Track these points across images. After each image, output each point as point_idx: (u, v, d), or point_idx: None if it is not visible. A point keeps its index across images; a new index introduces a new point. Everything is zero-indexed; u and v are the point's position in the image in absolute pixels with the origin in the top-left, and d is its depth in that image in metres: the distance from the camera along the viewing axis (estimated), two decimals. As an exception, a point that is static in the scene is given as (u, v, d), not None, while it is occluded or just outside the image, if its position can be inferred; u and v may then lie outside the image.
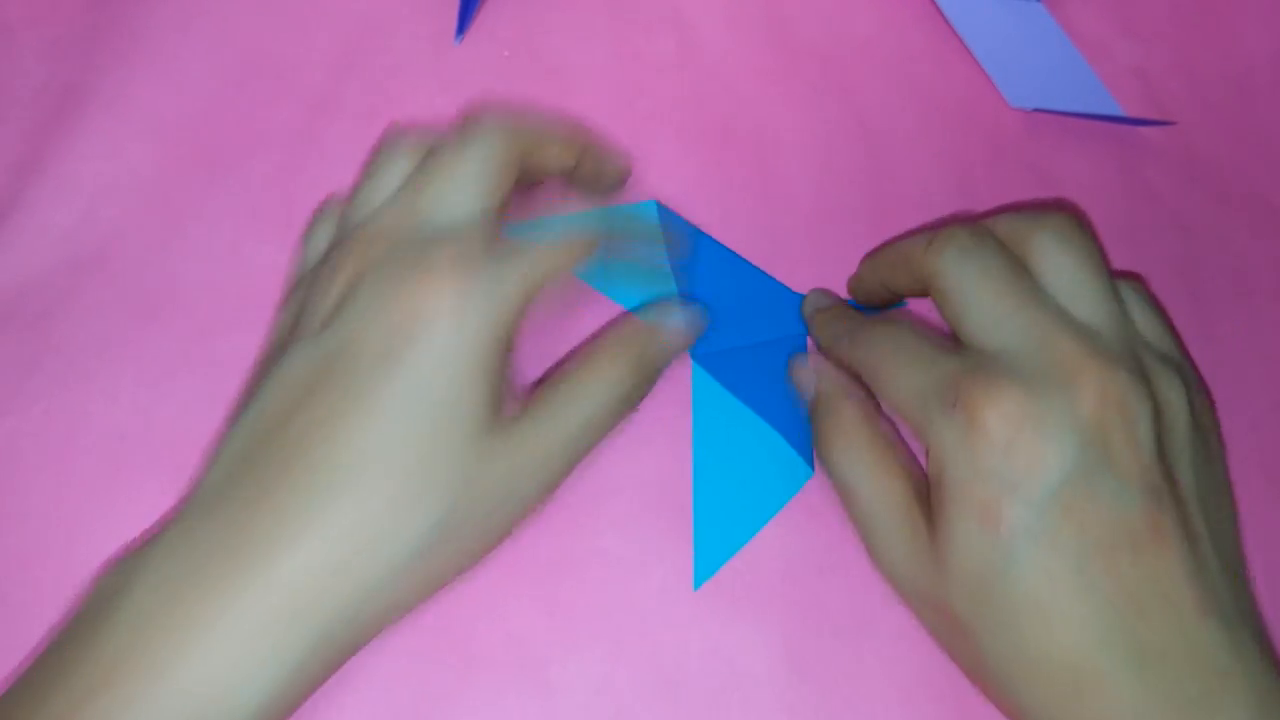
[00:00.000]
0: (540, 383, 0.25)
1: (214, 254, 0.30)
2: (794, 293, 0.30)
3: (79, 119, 0.32)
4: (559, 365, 0.26)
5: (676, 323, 0.27)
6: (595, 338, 0.26)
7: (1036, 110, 0.35)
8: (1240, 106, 0.36)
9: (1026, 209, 0.26)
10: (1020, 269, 0.24)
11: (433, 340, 0.21)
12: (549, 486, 0.24)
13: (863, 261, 0.30)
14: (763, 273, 0.31)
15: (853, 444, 0.25)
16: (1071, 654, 0.20)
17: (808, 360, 0.28)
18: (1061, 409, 0.21)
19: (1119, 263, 0.32)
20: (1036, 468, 0.21)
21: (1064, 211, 0.25)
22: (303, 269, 0.27)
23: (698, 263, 0.30)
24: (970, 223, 0.25)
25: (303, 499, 0.21)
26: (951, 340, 0.24)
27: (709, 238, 0.31)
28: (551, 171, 0.27)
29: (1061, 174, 0.34)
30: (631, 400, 0.25)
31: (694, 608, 0.27)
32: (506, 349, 0.23)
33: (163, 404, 0.28)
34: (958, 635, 0.23)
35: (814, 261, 0.31)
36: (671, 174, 0.33)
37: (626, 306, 0.29)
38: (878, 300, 0.29)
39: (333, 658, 0.21)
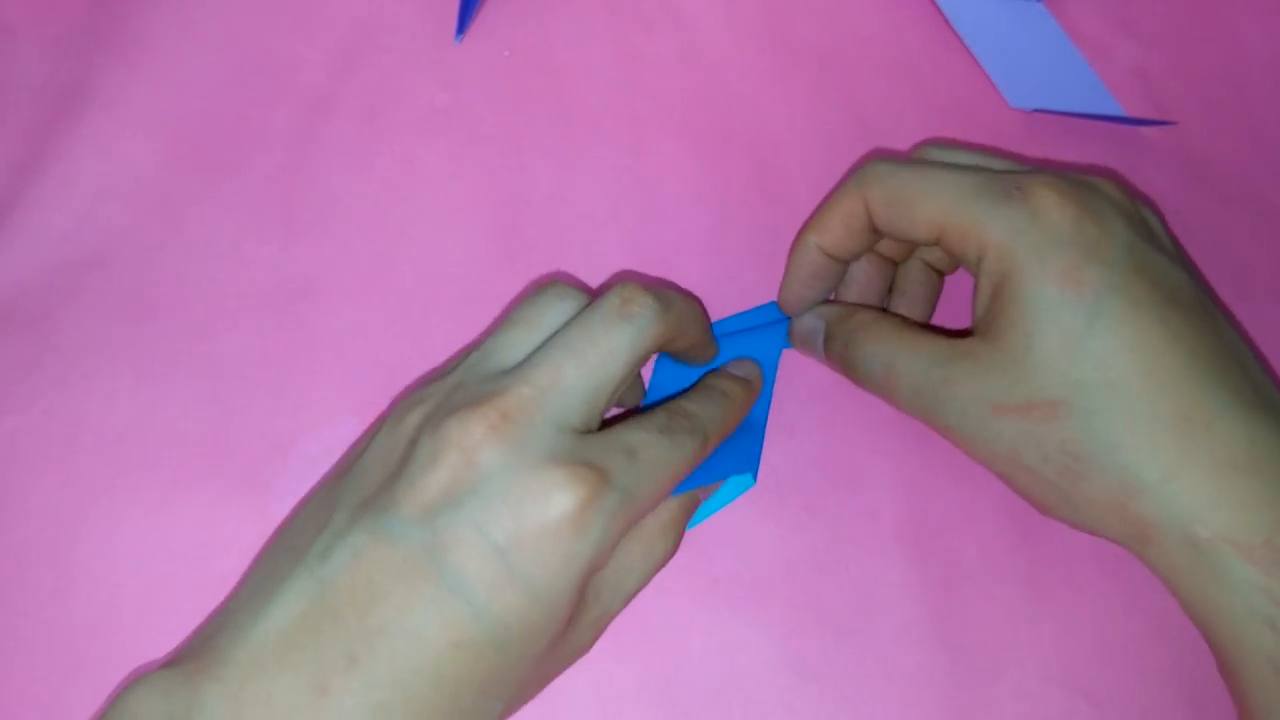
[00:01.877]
0: None
1: (214, 254, 0.30)
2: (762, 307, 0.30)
3: (79, 119, 0.32)
4: None
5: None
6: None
7: (1036, 110, 0.35)
8: (1240, 106, 0.36)
9: None
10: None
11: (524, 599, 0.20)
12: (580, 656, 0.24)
13: (795, 244, 0.28)
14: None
15: (878, 331, 0.26)
16: (1176, 396, 0.21)
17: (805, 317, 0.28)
18: (1104, 201, 0.23)
19: (1119, 263, 0.32)
20: (1106, 233, 0.22)
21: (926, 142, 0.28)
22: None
23: None
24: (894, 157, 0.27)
25: None
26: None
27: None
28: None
29: (1061, 174, 0.34)
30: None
31: (694, 608, 0.27)
32: (588, 579, 0.22)
33: (163, 404, 0.28)
34: (1046, 425, 0.22)
35: (814, 261, 0.31)
36: (671, 174, 0.33)
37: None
38: (822, 281, 0.28)
39: None
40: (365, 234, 0.31)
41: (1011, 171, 0.24)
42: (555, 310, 0.24)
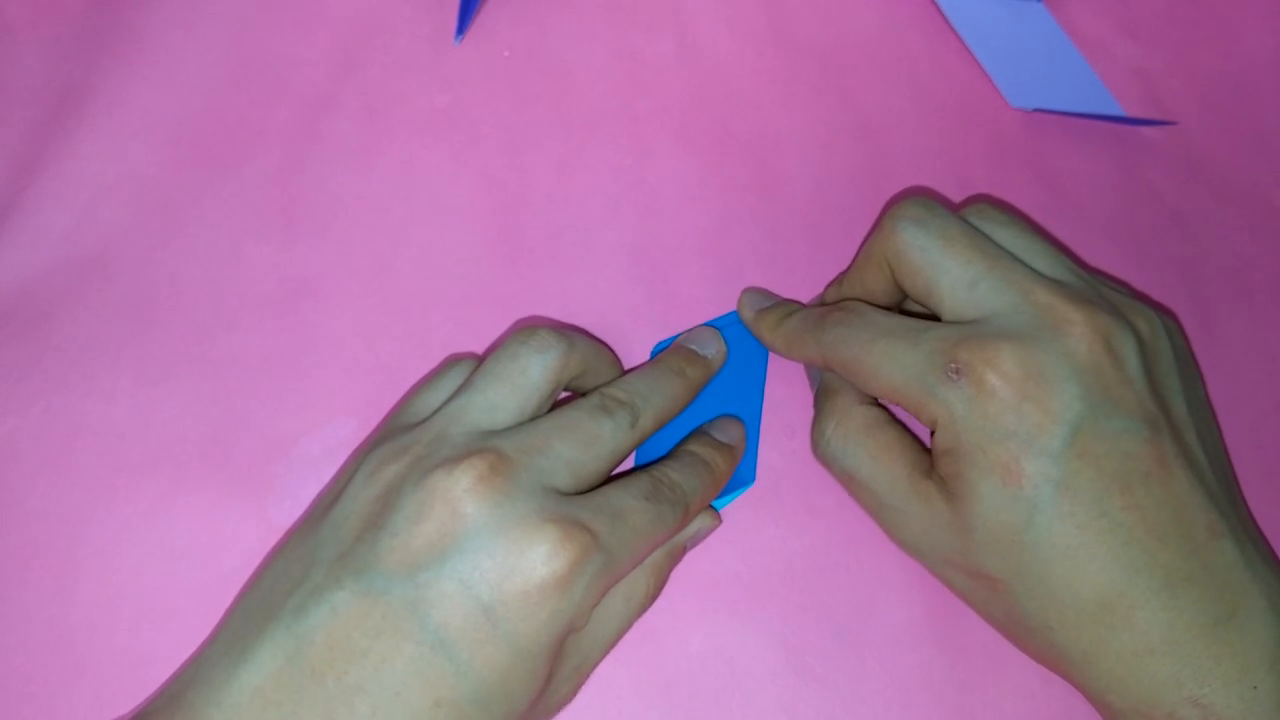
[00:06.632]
0: None
1: (214, 254, 0.30)
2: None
3: (79, 119, 0.32)
4: None
5: (699, 524, 0.26)
6: None
7: (1036, 110, 0.35)
8: (1240, 106, 0.36)
9: None
10: (977, 230, 0.24)
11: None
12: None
13: (828, 287, 0.29)
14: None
15: (846, 430, 0.25)
16: (1103, 590, 0.21)
17: None
18: (1057, 359, 0.22)
19: (1119, 263, 0.32)
20: (1049, 420, 0.21)
21: (981, 200, 0.27)
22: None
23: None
24: (916, 195, 0.26)
25: None
26: (920, 316, 0.25)
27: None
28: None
29: (1061, 174, 0.34)
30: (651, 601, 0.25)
31: (694, 608, 0.27)
32: (566, 639, 0.22)
33: (163, 404, 0.28)
34: (989, 593, 0.23)
35: (814, 261, 0.31)
36: (671, 174, 0.33)
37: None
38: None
39: None
40: (365, 234, 0.31)
41: (952, 339, 0.23)
42: (538, 364, 0.24)
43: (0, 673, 0.25)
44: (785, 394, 0.29)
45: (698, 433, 0.27)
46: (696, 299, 0.31)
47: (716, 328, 0.29)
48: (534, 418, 0.24)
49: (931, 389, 0.22)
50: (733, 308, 0.30)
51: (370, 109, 0.33)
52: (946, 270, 0.24)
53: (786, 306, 0.28)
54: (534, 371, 0.24)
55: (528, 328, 0.24)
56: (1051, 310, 0.22)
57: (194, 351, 0.29)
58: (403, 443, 0.23)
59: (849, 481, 0.26)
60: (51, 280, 0.30)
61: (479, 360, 0.26)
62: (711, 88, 0.35)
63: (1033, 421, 0.21)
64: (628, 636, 0.26)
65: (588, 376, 0.26)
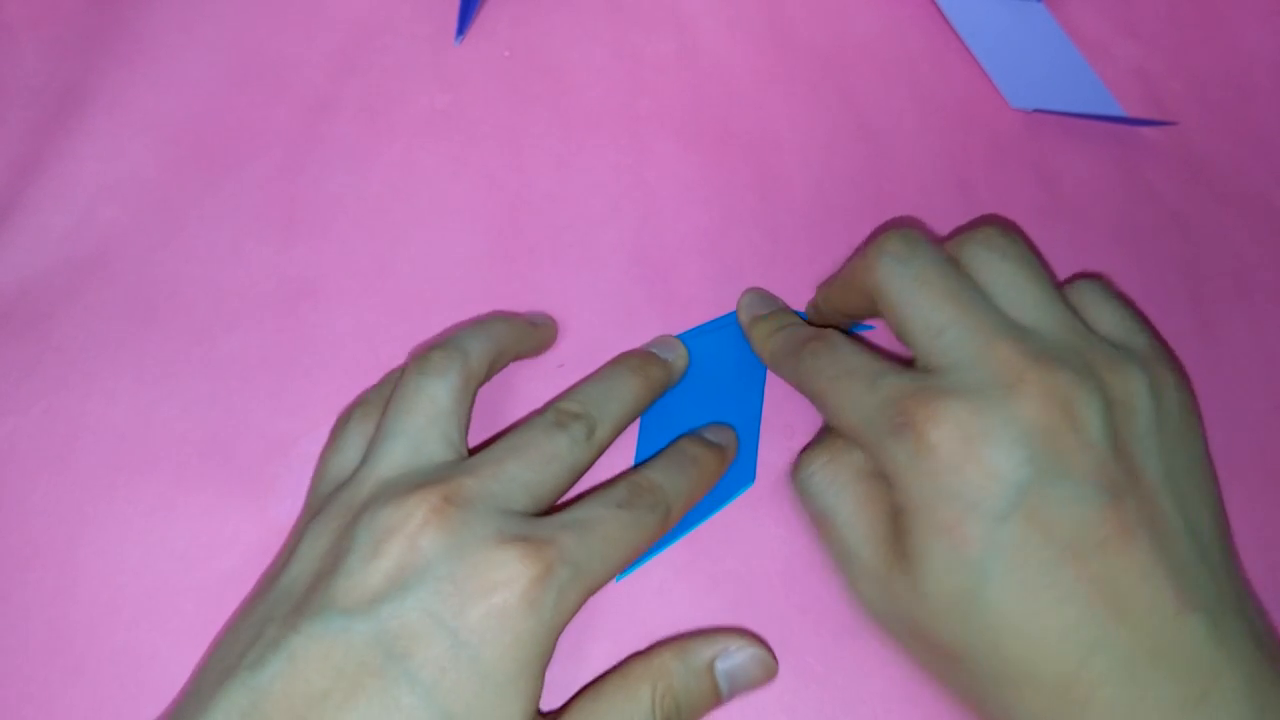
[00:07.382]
0: (576, 697, 0.23)
1: (214, 254, 0.30)
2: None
3: (79, 119, 0.32)
4: (590, 686, 0.23)
5: (742, 658, 0.24)
6: (627, 662, 0.23)
7: (1036, 110, 0.35)
8: (1240, 106, 0.36)
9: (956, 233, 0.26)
10: (957, 272, 0.24)
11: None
12: None
13: (819, 289, 0.29)
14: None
15: (837, 469, 0.24)
16: (1059, 666, 0.20)
17: None
18: (1006, 419, 0.21)
19: (1119, 263, 0.32)
20: (992, 483, 0.20)
21: (991, 223, 0.25)
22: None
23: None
24: (904, 228, 0.25)
25: None
26: (898, 357, 0.24)
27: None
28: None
29: (1061, 174, 0.34)
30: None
31: (694, 608, 0.27)
32: (545, 663, 0.21)
33: (163, 404, 0.28)
34: (945, 661, 0.22)
35: (814, 261, 0.31)
36: (671, 174, 0.33)
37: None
38: (837, 326, 0.28)
39: None
40: (365, 234, 0.31)
41: (903, 390, 0.22)
42: (444, 389, 0.24)
43: (0, 673, 0.25)
44: (785, 394, 0.29)
45: (690, 432, 0.27)
46: (696, 299, 0.31)
47: (714, 329, 0.29)
48: (460, 439, 0.23)
49: (880, 439, 0.22)
50: (733, 308, 0.30)
51: (370, 110, 0.33)
52: (918, 312, 0.23)
53: (778, 319, 0.28)
54: (442, 397, 0.23)
55: (419, 356, 0.24)
56: (1008, 367, 0.21)
57: (194, 351, 0.29)
58: (343, 501, 0.22)
59: (823, 522, 0.25)
60: (51, 280, 0.30)
61: (366, 402, 0.26)
62: (711, 88, 0.35)
63: (975, 484, 0.20)
64: (629, 636, 0.26)
65: (508, 354, 0.26)
